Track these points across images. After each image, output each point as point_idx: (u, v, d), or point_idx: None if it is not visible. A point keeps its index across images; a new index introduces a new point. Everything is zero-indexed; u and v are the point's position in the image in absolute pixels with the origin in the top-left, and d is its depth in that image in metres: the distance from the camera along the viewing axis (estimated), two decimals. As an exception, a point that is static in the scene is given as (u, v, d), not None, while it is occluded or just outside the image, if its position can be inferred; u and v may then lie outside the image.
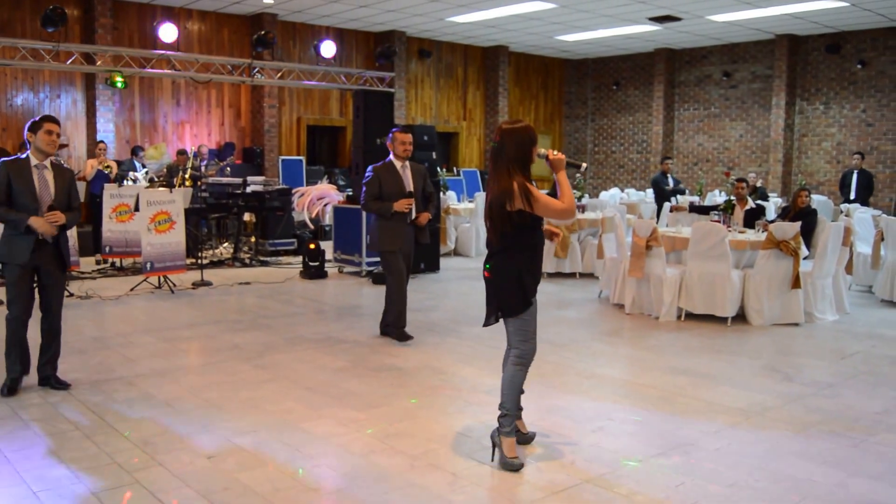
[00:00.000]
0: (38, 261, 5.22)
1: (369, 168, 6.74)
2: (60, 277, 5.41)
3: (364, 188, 6.69)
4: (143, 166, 12.88)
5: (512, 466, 4.09)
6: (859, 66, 16.40)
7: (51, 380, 5.42)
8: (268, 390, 5.45)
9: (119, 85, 12.08)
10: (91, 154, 12.93)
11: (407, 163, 6.77)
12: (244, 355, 6.42)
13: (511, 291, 4.08)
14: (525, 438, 4.43)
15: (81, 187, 9.42)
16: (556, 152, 4.11)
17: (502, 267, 4.13)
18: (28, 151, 5.23)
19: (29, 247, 5.15)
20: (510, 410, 4.16)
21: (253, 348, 6.66)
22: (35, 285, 5.33)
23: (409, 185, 6.75)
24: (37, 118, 5.25)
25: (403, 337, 6.86)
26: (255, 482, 3.87)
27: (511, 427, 4.16)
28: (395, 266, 6.75)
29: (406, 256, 6.85)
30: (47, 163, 5.23)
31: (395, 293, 6.78)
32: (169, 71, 12.28)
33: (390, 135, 6.79)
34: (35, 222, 5.08)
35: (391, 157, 6.75)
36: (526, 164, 4.03)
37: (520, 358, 4.17)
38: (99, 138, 13.25)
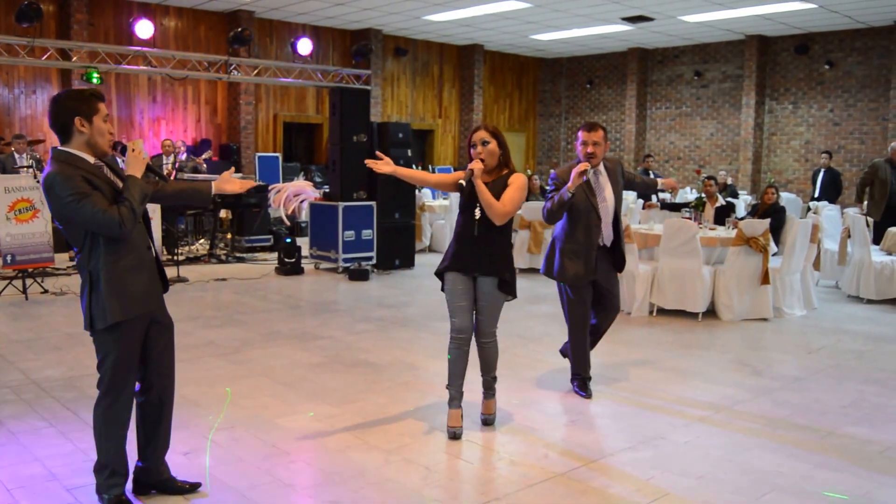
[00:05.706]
0: (155, 305, 3.58)
1: (553, 173, 5.23)
2: (172, 328, 3.82)
3: (548, 198, 5.12)
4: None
5: (449, 434, 4.49)
6: (827, 67, 16.67)
7: (168, 483, 3.75)
8: (243, 386, 5.46)
9: (95, 81, 11.98)
10: None
11: (601, 166, 5.26)
12: (220, 351, 6.43)
13: None
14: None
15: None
16: (476, 170, 4.38)
17: None
18: (67, 147, 3.27)
19: (149, 279, 3.48)
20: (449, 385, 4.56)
21: (229, 344, 6.67)
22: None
23: (604, 190, 5.22)
24: (82, 91, 3.32)
25: (585, 389, 5.37)
26: (230, 478, 3.90)
27: (452, 401, 4.55)
28: (582, 302, 5.24)
29: (604, 289, 5.29)
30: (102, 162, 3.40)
31: (579, 339, 5.32)
32: (145, 67, 12.18)
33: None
34: (224, 183, 3.67)
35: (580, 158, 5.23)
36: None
37: (450, 334, 4.56)
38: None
